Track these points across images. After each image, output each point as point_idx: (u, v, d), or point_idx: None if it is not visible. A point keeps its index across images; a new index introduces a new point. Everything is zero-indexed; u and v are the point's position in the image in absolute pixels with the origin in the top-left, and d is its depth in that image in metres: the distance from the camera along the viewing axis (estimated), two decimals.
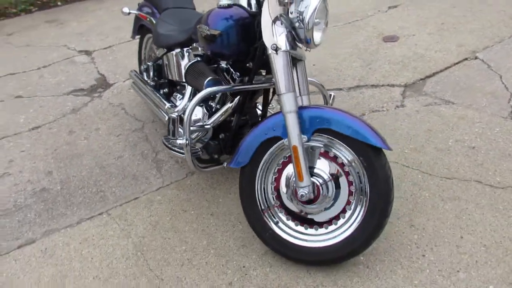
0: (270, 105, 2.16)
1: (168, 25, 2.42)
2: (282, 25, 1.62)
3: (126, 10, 2.80)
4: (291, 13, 1.62)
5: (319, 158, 1.73)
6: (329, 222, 1.73)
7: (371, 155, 1.59)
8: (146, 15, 2.74)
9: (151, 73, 2.62)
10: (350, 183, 1.68)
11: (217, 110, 2.06)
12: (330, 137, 1.65)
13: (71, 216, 2.19)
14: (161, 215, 2.14)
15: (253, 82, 1.91)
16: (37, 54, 4.33)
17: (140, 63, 3.08)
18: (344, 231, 1.69)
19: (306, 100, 1.74)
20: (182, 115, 1.95)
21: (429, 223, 1.91)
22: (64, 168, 2.56)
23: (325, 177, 1.70)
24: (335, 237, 1.71)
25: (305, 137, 1.63)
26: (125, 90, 3.40)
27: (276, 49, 1.60)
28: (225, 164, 1.96)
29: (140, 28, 2.95)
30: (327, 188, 1.69)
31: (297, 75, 1.75)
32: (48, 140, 2.86)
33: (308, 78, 2.08)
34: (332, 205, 1.71)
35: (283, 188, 1.77)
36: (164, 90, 2.61)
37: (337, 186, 1.70)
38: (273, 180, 1.80)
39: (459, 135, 2.46)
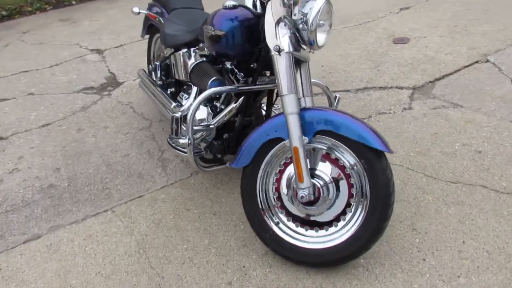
0: (274, 106, 2.16)
1: (175, 25, 2.45)
2: (286, 26, 1.62)
3: (136, 9, 2.83)
4: (295, 14, 1.62)
5: (323, 161, 1.73)
6: (330, 224, 1.73)
7: (372, 158, 1.59)
8: (155, 15, 2.77)
9: (159, 73, 2.64)
10: (351, 186, 1.68)
11: (221, 110, 2.07)
12: (333, 139, 1.64)
13: (77, 213, 2.23)
14: (164, 214, 2.16)
15: (257, 83, 1.92)
16: (49, 52, 4.40)
17: (149, 63, 3.12)
18: (344, 233, 1.69)
19: (309, 102, 1.74)
20: (186, 114, 1.97)
21: (432, 227, 1.90)
22: (71, 165, 2.61)
23: (326, 179, 1.70)
24: (335, 239, 1.71)
25: (306, 139, 1.63)
26: (134, 89, 3.44)
27: (279, 51, 1.61)
28: (228, 164, 1.97)
29: (150, 28, 2.98)
30: (328, 190, 1.69)
31: (300, 76, 1.75)
32: (57, 137, 2.91)
33: (313, 80, 2.09)
34: (333, 205, 1.71)
35: (283, 189, 1.78)
36: (171, 90, 2.63)
37: (338, 188, 1.70)
38: (274, 181, 1.81)
39: (466, 139, 2.44)
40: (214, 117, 2.05)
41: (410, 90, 3.03)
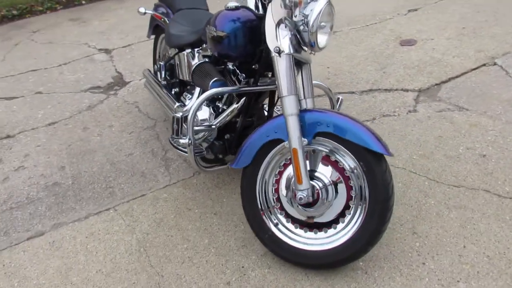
0: (276, 106, 2.16)
1: (180, 25, 2.46)
2: (286, 28, 1.63)
3: (142, 10, 2.86)
4: (295, 16, 1.62)
5: (323, 164, 1.72)
6: (329, 226, 1.73)
7: (371, 161, 1.58)
8: (161, 15, 2.79)
9: (163, 73, 2.66)
10: (350, 188, 1.67)
11: (223, 110, 2.08)
12: (333, 142, 1.64)
13: (80, 211, 2.25)
14: (166, 213, 2.18)
15: (259, 84, 1.92)
16: (59, 52, 4.46)
17: (154, 63, 3.14)
18: (343, 236, 1.68)
19: (310, 103, 1.74)
20: (187, 114, 1.98)
21: (432, 231, 1.88)
22: (76, 164, 2.63)
23: (326, 181, 1.70)
24: (334, 241, 1.70)
25: (305, 140, 1.63)
26: (140, 89, 3.47)
27: (279, 52, 1.61)
28: (228, 165, 1.98)
29: (155, 28, 3.00)
30: (327, 192, 1.69)
31: (302, 78, 1.75)
32: (63, 136, 2.94)
33: (316, 82, 2.10)
34: (332, 207, 1.71)
35: (283, 191, 1.78)
36: (175, 90, 2.65)
37: (337, 191, 1.69)
38: (274, 182, 1.81)
39: (470, 142, 2.41)
40: (216, 117, 2.06)
41: (416, 92, 3.01)
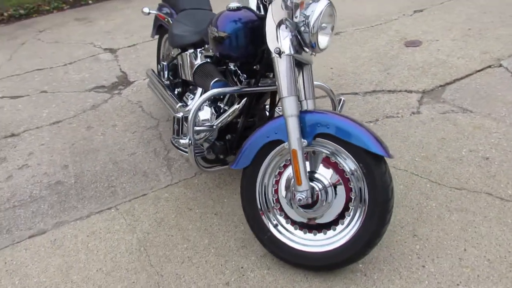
0: (277, 107, 2.16)
1: (183, 25, 2.47)
2: (287, 29, 1.63)
3: (146, 10, 2.88)
4: (296, 17, 1.62)
5: (324, 165, 1.72)
6: (328, 227, 1.72)
7: (371, 162, 1.57)
8: (164, 16, 2.80)
9: (166, 73, 2.67)
10: (350, 190, 1.67)
11: (225, 111, 2.08)
12: (333, 143, 1.64)
13: (82, 209, 2.27)
14: (166, 212, 2.18)
15: (260, 84, 1.92)
16: (64, 51, 4.49)
17: (158, 62, 3.15)
18: (342, 238, 1.68)
19: (311, 104, 1.74)
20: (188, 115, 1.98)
21: (433, 234, 1.87)
22: (79, 163, 2.65)
23: (325, 182, 1.70)
24: (333, 243, 1.70)
25: (305, 141, 1.62)
26: (144, 88, 3.48)
27: (280, 53, 1.61)
28: (229, 165, 1.98)
29: (159, 28, 3.01)
30: (326, 193, 1.68)
31: (303, 79, 1.75)
32: (67, 135, 2.96)
33: (317, 83, 2.09)
34: (331, 209, 1.70)
35: (282, 192, 1.78)
36: (178, 90, 2.66)
37: (337, 192, 1.69)
38: (274, 182, 1.81)
39: (474, 144, 2.40)
40: (217, 117, 2.07)
41: (420, 94, 2.99)
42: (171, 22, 2.66)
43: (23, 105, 3.43)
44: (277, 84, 1.65)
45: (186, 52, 2.39)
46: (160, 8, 2.90)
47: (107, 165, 2.61)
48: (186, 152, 2.01)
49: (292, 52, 1.62)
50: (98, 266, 1.92)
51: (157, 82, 2.74)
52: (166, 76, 2.69)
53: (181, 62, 2.51)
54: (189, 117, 1.83)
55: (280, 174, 1.79)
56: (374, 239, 1.62)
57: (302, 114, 1.65)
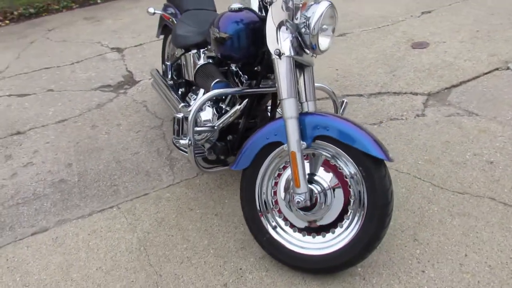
0: (279, 109, 2.15)
1: (186, 26, 2.47)
2: (287, 30, 1.62)
3: (151, 10, 2.88)
4: (297, 18, 1.62)
5: (323, 168, 1.71)
6: (327, 230, 1.72)
7: (371, 166, 1.56)
8: (169, 16, 2.81)
9: (170, 73, 2.68)
10: (349, 193, 1.65)
11: (226, 111, 2.08)
12: (332, 145, 1.63)
13: (84, 208, 2.28)
14: (167, 212, 2.19)
15: (261, 86, 1.92)
16: (72, 50, 4.52)
17: (163, 62, 3.15)
18: (341, 241, 1.67)
19: (311, 106, 1.73)
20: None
21: (434, 238, 1.85)
22: (83, 161, 2.67)
23: (325, 185, 1.69)
24: (332, 246, 1.69)
25: (304, 144, 1.62)
26: (149, 88, 3.49)
27: (279, 54, 1.61)
28: (229, 166, 1.98)
29: (164, 28, 3.02)
30: (325, 196, 1.67)
31: (304, 80, 1.74)
32: (72, 133, 2.98)
33: (319, 84, 2.09)
34: (330, 211, 1.69)
35: (281, 193, 1.77)
36: (182, 90, 2.67)
37: (336, 195, 1.68)
38: (273, 184, 1.81)
39: (478, 148, 2.37)
40: (219, 118, 2.07)
41: (425, 96, 2.97)
42: (175, 22, 2.67)
43: (30, 103, 3.47)
44: (277, 85, 1.64)
45: (189, 53, 2.39)
46: (165, 8, 2.91)
47: (110, 164, 2.62)
48: (186, 152, 2.01)
49: (292, 54, 1.61)
50: (98, 265, 1.93)
51: (161, 82, 2.75)
52: (169, 76, 2.69)
53: (184, 63, 2.52)
54: (189, 118, 1.83)
55: (280, 176, 1.78)
56: (373, 243, 1.61)
57: (302, 116, 1.64)
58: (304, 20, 1.60)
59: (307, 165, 1.71)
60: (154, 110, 3.17)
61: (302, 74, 1.74)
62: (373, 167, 1.56)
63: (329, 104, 2.87)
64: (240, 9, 1.83)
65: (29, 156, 2.77)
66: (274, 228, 1.80)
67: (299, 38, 1.64)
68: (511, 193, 2.04)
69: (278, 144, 1.70)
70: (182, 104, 2.38)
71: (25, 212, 2.29)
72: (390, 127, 2.66)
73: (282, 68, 1.62)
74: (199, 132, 1.99)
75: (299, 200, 1.62)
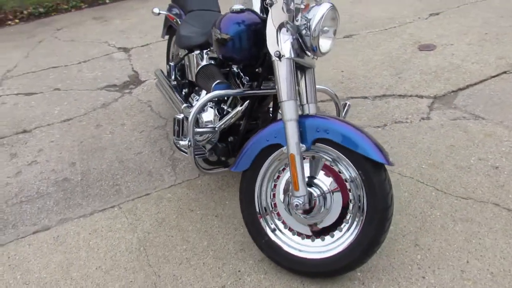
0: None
1: (190, 26, 2.47)
2: (288, 32, 1.61)
3: (156, 10, 2.89)
4: (298, 20, 1.60)
5: (325, 172, 1.70)
6: (326, 234, 1.70)
7: (371, 170, 1.55)
8: (173, 16, 2.81)
9: (173, 73, 2.68)
10: (348, 196, 1.64)
11: (228, 113, 2.08)
12: (332, 148, 1.61)
13: (86, 207, 2.29)
14: (168, 213, 2.19)
15: (262, 87, 1.91)
16: (79, 49, 4.55)
17: (167, 63, 3.16)
18: (340, 244, 1.65)
19: (312, 109, 1.71)
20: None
21: (435, 244, 1.83)
22: (86, 160, 2.68)
23: (324, 188, 1.67)
24: (331, 249, 1.67)
25: (303, 146, 1.61)
26: (154, 88, 3.50)
27: (280, 56, 1.60)
28: (229, 168, 1.97)
29: (169, 29, 3.02)
30: (324, 199, 1.66)
31: (305, 83, 1.73)
32: (77, 132, 3.00)
33: (322, 87, 2.07)
34: (329, 215, 1.68)
35: (280, 196, 1.76)
36: (185, 90, 2.67)
37: (335, 199, 1.66)
38: (272, 187, 1.80)
39: (483, 153, 2.33)
40: (220, 119, 2.06)
41: (431, 99, 2.93)
42: (179, 22, 2.67)
43: (36, 102, 3.50)
44: (276, 87, 1.63)
45: (192, 53, 2.39)
46: (169, 8, 2.91)
47: (113, 163, 2.63)
48: (187, 153, 2.01)
49: (293, 56, 1.60)
50: (97, 264, 1.93)
51: (165, 82, 2.76)
52: (173, 76, 2.70)
53: (187, 63, 2.52)
54: (189, 119, 1.83)
55: (279, 178, 1.77)
56: (373, 247, 1.59)
57: (302, 119, 1.63)
58: (305, 22, 1.59)
59: (306, 168, 1.70)
60: (158, 110, 3.18)
61: (303, 76, 1.72)
62: (373, 171, 1.55)
63: (332, 106, 2.85)
64: (241, 10, 1.83)
65: (33, 155, 2.79)
66: (273, 230, 1.79)
67: (300, 40, 1.62)
68: None
69: (278, 146, 1.70)
70: (185, 104, 2.38)
71: (28, 210, 2.31)
72: (394, 130, 2.63)
73: (282, 70, 1.61)
74: (200, 133, 1.98)
75: (298, 203, 1.61)
